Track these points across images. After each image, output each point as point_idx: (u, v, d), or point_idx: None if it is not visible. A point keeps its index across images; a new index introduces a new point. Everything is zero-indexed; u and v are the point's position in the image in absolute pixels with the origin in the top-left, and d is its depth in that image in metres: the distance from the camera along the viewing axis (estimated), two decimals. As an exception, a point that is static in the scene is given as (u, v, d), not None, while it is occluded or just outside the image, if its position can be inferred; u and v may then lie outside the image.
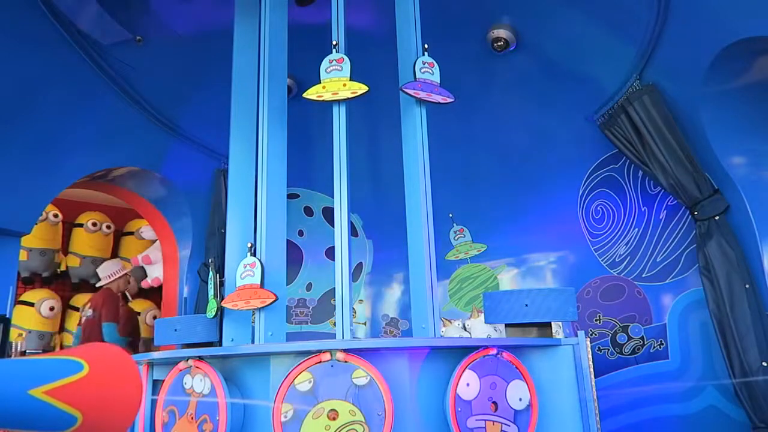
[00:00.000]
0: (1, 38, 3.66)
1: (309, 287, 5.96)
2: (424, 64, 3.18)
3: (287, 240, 3.12)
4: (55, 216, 6.71)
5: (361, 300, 6.01)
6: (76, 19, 3.95)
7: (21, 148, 4.12)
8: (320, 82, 3.05)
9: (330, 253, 5.51)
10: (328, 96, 3.03)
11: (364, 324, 5.97)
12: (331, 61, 3.07)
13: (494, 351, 2.53)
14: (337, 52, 3.10)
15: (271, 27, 3.35)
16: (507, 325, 2.91)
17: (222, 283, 3.12)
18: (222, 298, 3.01)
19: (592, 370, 2.66)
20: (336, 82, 3.03)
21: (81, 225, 6.94)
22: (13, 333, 5.72)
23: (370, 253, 6.07)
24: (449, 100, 3.18)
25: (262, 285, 2.86)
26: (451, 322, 5.18)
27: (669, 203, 4.67)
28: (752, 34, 3.32)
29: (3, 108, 3.88)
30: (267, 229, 3.01)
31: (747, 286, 3.79)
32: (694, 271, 4.39)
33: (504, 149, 5.55)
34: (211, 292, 3.22)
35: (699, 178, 4.07)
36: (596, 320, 4.96)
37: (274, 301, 2.85)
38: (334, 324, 2.95)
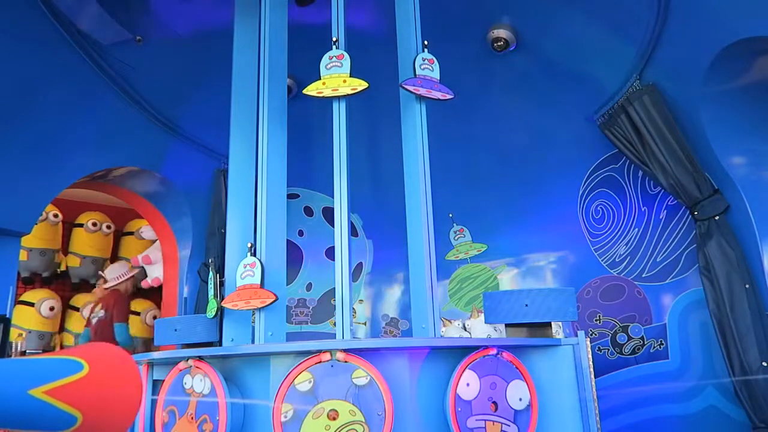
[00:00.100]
0: (1, 38, 3.66)
1: (309, 287, 5.96)
2: (424, 60, 3.18)
3: (287, 240, 3.12)
4: (55, 216, 6.71)
5: (361, 300, 6.01)
6: (76, 19, 3.95)
7: (21, 148, 4.12)
8: (320, 79, 3.04)
9: (330, 253, 5.51)
10: (327, 92, 3.02)
11: (364, 324, 5.97)
12: (331, 58, 3.07)
13: (494, 351, 2.53)
14: (337, 48, 3.10)
15: (271, 27, 3.35)
16: (507, 325, 2.91)
17: (222, 283, 3.12)
18: (222, 298, 3.01)
19: (592, 370, 2.66)
20: (336, 79, 3.03)
21: (81, 225, 6.94)
22: (13, 333, 5.72)
23: (370, 253, 6.07)
24: (449, 96, 3.17)
25: (262, 285, 2.86)
26: (451, 322, 5.18)
27: (669, 203, 4.67)
28: (752, 34, 3.32)
29: (3, 108, 3.88)
30: (267, 229, 3.01)
31: (747, 286, 3.79)
32: (694, 271, 4.39)
33: (504, 149, 5.55)
34: (211, 292, 3.22)
35: (699, 178, 4.07)
36: (596, 320, 4.96)
37: (274, 301, 2.85)
38: (334, 324, 2.95)
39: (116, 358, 1.16)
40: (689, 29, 3.76)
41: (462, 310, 5.67)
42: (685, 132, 4.12)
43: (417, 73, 3.13)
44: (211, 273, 3.26)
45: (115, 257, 7.09)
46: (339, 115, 3.08)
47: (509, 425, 2.47)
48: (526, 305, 2.77)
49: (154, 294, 6.61)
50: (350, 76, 3.03)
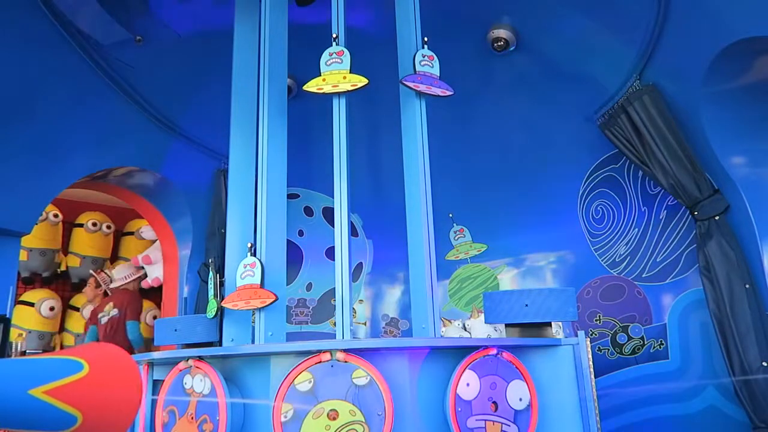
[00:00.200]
0: (1, 38, 3.66)
1: (309, 287, 5.96)
2: (423, 57, 3.18)
3: (287, 240, 3.12)
4: (55, 216, 6.71)
5: (361, 300, 6.01)
6: (76, 19, 3.95)
7: (21, 148, 4.12)
8: (320, 75, 3.04)
9: (330, 253, 5.51)
10: (328, 88, 3.02)
11: (364, 324, 5.97)
12: (331, 54, 3.06)
13: (494, 351, 2.53)
14: (337, 45, 3.10)
15: (271, 27, 3.35)
16: (507, 325, 2.91)
17: (222, 283, 3.12)
18: (222, 298, 3.01)
19: (592, 370, 2.66)
20: (336, 75, 3.03)
21: (81, 225, 6.94)
22: (13, 333, 5.72)
23: (370, 253, 6.07)
24: (449, 93, 3.17)
25: (262, 285, 2.86)
26: (451, 322, 5.18)
27: (669, 203, 4.67)
28: (752, 34, 3.32)
29: (3, 108, 3.88)
30: (267, 229, 3.01)
31: (747, 286, 3.79)
32: (694, 271, 4.39)
33: (504, 149, 5.55)
34: (211, 292, 3.22)
35: (699, 178, 4.07)
36: (596, 320, 4.96)
37: (274, 301, 2.85)
38: (334, 324, 2.95)
39: (116, 359, 1.16)
40: (689, 29, 3.76)
41: (462, 310, 5.67)
42: (685, 132, 4.12)
43: (417, 69, 3.13)
44: (211, 273, 3.26)
45: (115, 257, 7.09)
46: (339, 111, 3.08)
47: (509, 425, 2.47)
48: (526, 305, 2.77)
49: (154, 294, 6.61)
50: (350, 73, 3.02)
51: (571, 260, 5.36)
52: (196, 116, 5.18)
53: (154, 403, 2.70)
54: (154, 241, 6.44)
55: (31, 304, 6.44)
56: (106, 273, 6.44)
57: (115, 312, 5.91)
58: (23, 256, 6.25)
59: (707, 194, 4.05)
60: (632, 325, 4.78)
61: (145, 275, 6.48)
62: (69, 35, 4.03)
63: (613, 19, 4.28)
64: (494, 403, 2.47)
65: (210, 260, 4.50)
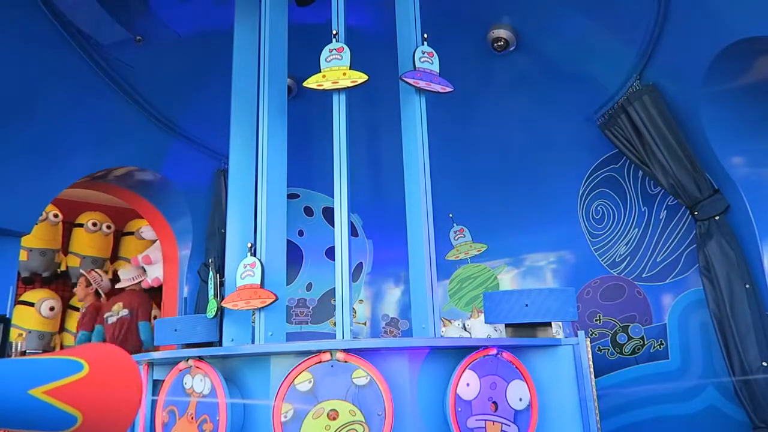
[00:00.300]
0: (1, 38, 3.66)
1: (309, 287, 5.96)
2: (423, 53, 3.18)
3: (287, 240, 3.12)
4: (55, 216, 6.70)
5: (361, 300, 6.01)
6: (76, 19, 3.95)
7: (21, 148, 4.12)
8: (320, 71, 3.04)
9: (330, 253, 5.51)
10: (328, 85, 3.02)
11: (364, 324, 5.96)
12: (331, 51, 3.06)
13: (494, 351, 2.53)
14: (337, 41, 3.10)
15: (271, 27, 3.35)
16: (507, 325, 2.91)
17: (222, 283, 3.12)
18: (222, 298, 3.01)
19: (592, 370, 2.66)
20: (336, 71, 3.03)
21: (81, 225, 6.94)
22: (13, 333, 5.72)
23: (370, 253, 6.07)
24: (449, 89, 3.16)
25: (262, 285, 2.86)
26: (451, 322, 5.18)
27: (669, 203, 4.67)
28: (752, 34, 3.32)
29: (3, 108, 3.88)
30: (267, 229, 3.01)
31: (747, 286, 3.79)
32: (694, 271, 4.39)
33: (504, 149, 5.55)
34: (211, 292, 3.22)
35: (699, 178, 4.07)
36: (596, 320, 4.96)
37: (274, 301, 2.85)
38: (334, 324, 2.95)
39: (116, 359, 1.16)
40: (689, 29, 3.76)
41: (462, 310, 5.67)
42: (685, 132, 4.12)
43: (416, 65, 3.13)
44: (211, 273, 3.26)
45: (115, 257, 7.09)
46: (339, 108, 3.08)
47: (509, 425, 2.47)
48: (526, 305, 2.77)
49: (154, 294, 6.61)
50: (350, 69, 3.02)
51: (571, 260, 5.36)
52: (196, 116, 5.19)
53: (154, 403, 2.70)
54: (154, 241, 6.44)
55: (31, 304, 6.44)
56: (96, 272, 6.45)
57: (125, 312, 5.96)
58: (23, 256, 6.25)
59: (707, 194, 4.05)
60: (632, 325, 4.78)
61: (145, 275, 6.49)
62: (69, 35, 4.03)
63: (613, 19, 4.28)
64: (494, 403, 2.47)
65: (210, 260, 4.50)
